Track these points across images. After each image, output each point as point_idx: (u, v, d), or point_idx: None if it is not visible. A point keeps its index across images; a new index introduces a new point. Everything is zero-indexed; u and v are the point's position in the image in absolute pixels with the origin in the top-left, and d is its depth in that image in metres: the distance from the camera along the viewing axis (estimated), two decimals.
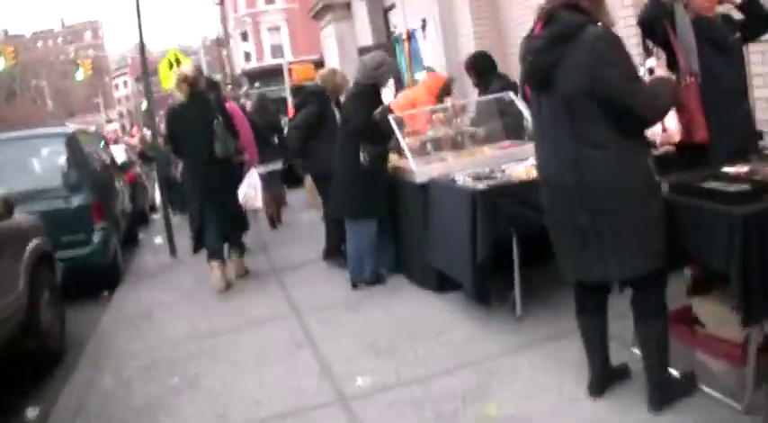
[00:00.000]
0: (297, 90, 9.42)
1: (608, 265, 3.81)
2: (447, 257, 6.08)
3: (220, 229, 8.20)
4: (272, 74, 40.19)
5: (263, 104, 12.80)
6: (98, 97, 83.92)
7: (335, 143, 7.28)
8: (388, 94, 11.68)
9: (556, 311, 5.52)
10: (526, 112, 6.98)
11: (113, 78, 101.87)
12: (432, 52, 11.49)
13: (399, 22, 14.51)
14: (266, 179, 10.70)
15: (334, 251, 8.32)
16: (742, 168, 4.03)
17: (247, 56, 53.84)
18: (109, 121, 57.10)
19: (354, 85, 7.33)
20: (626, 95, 3.60)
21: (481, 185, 5.53)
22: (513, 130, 7.56)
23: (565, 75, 3.66)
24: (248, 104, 12.77)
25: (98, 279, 9.35)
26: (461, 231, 5.59)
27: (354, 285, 7.29)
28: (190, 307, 7.86)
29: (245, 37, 53.96)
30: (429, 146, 7.71)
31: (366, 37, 17.31)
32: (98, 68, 76.60)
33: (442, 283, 6.45)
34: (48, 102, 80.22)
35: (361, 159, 6.90)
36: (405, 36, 12.74)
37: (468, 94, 11.49)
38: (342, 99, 7.87)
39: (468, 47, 11.33)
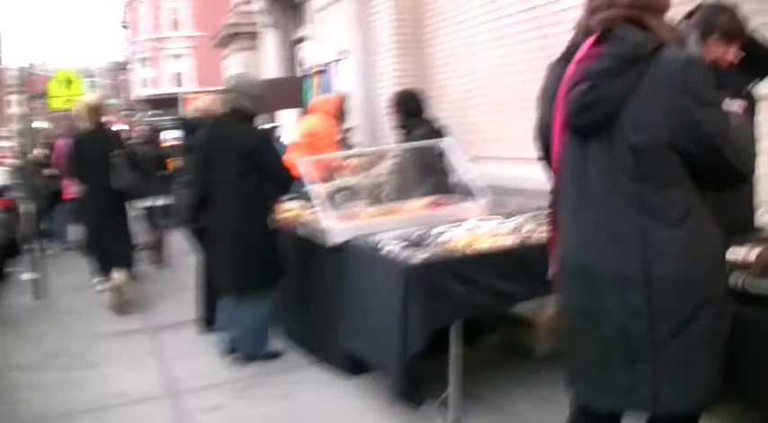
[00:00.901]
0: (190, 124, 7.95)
1: (661, 392, 2.62)
2: (366, 341, 4.90)
3: (116, 251, 8.36)
4: (169, 103, 39.02)
5: (153, 135, 11.73)
6: None
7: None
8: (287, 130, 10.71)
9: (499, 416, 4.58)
10: (461, 167, 5.98)
11: (8, 94, 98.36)
12: (347, 87, 10.49)
13: (310, 55, 13.55)
14: (149, 215, 10.89)
15: (208, 321, 6.91)
16: (751, 253, 3.16)
17: (144, 82, 52.34)
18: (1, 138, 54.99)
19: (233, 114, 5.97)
20: (724, 146, 2.53)
21: (416, 258, 4.40)
22: (441, 185, 6.55)
23: (635, 114, 2.58)
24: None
25: None
26: (387, 314, 4.43)
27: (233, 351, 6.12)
28: (48, 372, 6.45)
29: (144, 62, 52.46)
30: (338, 197, 6.59)
31: (272, 69, 16.33)
32: None
33: (354, 366, 5.27)
34: None
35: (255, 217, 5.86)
36: (314, 70, 11.71)
37: (381, 139, 10.61)
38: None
39: (387, 84, 10.39)
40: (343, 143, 9.06)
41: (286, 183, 5.90)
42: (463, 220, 5.37)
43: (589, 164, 2.70)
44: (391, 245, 4.70)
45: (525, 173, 7.50)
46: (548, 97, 2.85)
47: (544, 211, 5.75)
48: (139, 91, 52.22)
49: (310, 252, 5.71)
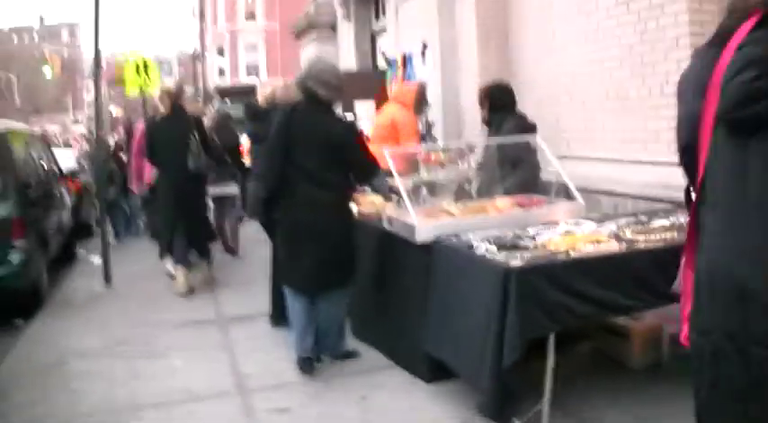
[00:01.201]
0: (258, 112, 7.71)
1: None
2: (454, 347, 4.54)
3: (189, 236, 8.50)
4: (245, 93, 39.03)
5: (223, 122, 11.60)
6: (67, 97, 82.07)
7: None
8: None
9: None
10: (552, 165, 5.64)
11: (84, 80, 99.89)
12: (429, 80, 10.19)
13: (389, 48, 13.26)
14: (220, 203, 10.60)
15: (280, 315, 6.57)
16: None
17: (221, 72, 52.58)
18: (76, 122, 55.71)
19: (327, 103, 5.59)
20: None
21: (516, 260, 4.06)
22: (529, 183, 6.22)
23: None
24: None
25: (13, 304, 7.98)
26: (481, 320, 4.11)
27: (316, 360, 5.68)
28: (112, 361, 6.26)
29: (221, 52, 52.73)
30: (423, 191, 6.30)
31: (350, 60, 16.06)
32: (71, 69, 75.34)
33: (435, 370, 4.93)
34: (15, 97, 78.26)
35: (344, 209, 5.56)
36: (400, 61, 11.39)
37: (462, 133, 10.29)
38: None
39: (470, 79, 10.05)
40: (425, 136, 8.77)
41: (372, 174, 5.58)
42: (556, 222, 5.04)
43: (750, 164, 2.31)
44: (485, 245, 4.37)
45: (616, 175, 7.15)
46: (696, 87, 2.49)
47: (643, 215, 5.49)
48: (216, 80, 52.39)
49: (394, 248, 5.40)
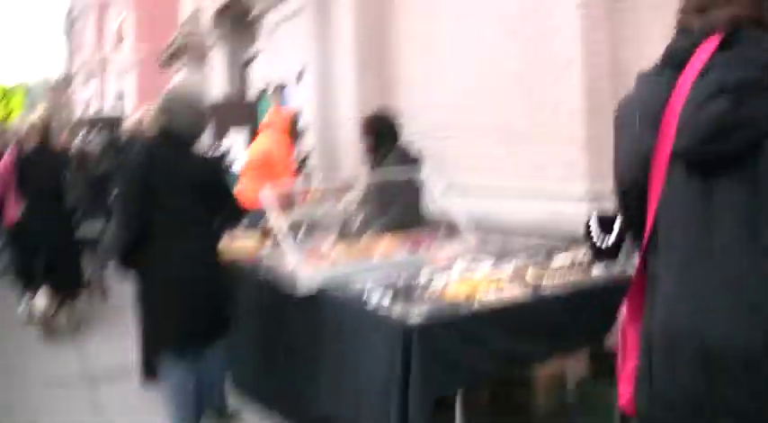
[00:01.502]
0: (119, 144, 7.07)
1: None
2: (355, 407, 3.88)
3: (59, 276, 8.06)
4: (114, 122, 37.81)
5: (83, 155, 10.77)
6: None
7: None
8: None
9: None
10: (441, 199, 5.21)
11: None
12: (304, 108, 9.72)
13: (264, 75, 12.76)
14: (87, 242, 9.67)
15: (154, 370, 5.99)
16: None
17: (89, 99, 50.98)
18: None
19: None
20: None
21: (414, 316, 3.53)
22: (417, 219, 5.80)
23: None
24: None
25: None
26: (382, 381, 3.56)
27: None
28: None
29: (89, 79, 51.17)
30: (300, 232, 5.76)
31: (222, 88, 15.52)
32: None
33: None
34: None
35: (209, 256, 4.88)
36: (272, 88, 10.88)
37: (341, 163, 9.82)
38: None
39: (348, 107, 9.63)
40: (301, 168, 8.28)
41: (239, 216, 5.09)
42: (449, 262, 4.60)
43: (716, 207, 1.93)
44: (376, 295, 3.86)
45: (505, 208, 6.78)
46: (645, 118, 2.07)
47: (540, 250, 5.11)
48: (83, 109, 50.80)
49: (275, 298, 4.79)
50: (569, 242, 5.40)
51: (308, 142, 9.81)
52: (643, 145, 2.05)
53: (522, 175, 6.76)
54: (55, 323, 8.09)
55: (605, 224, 4.66)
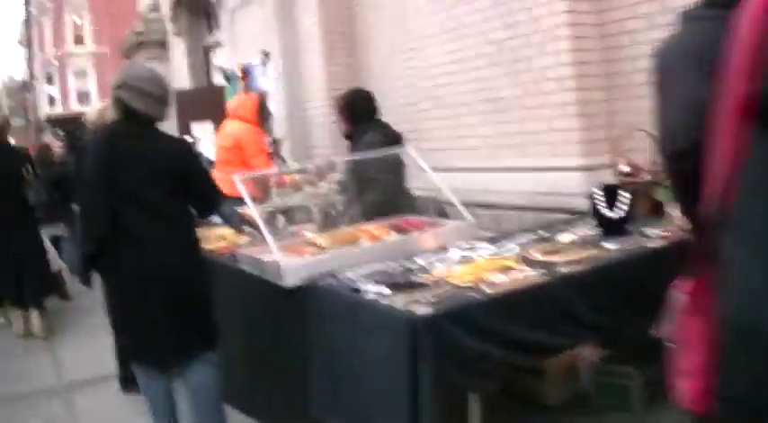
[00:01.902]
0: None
1: None
2: (359, 413, 3.41)
3: (27, 278, 7.76)
4: (76, 120, 37.13)
5: (45, 154, 10.68)
6: None
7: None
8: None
9: None
10: (428, 179, 4.82)
11: None
12: (272, 92, 9.32)
13: (227, 62, 12.33)
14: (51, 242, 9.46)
15: (131, 379, 5.55)
16: None
17: (52, 100, 50.27)
18: None
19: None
20: None
21: (421, 306, 3.10)
22: (401, 201, 5.38)
23: None
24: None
25: None
26: (387, 383, 3.12)
27: None
28: None
29: (50, 80, 50.46)
30: (281, 220, 5.34)
31: (184, 78, 15.04)
32: None
33: None
34: None
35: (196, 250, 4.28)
36: (240, 73, 10.42)
37: (311, 150, 9.40)
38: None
39: (317, 89, 9.23)
40: (272, 154, 7.85)
41: (218, 204, 4.42)
42: (445, 247, 4.19)
43: None
44: (373, 286, 3.44)
45: (493, 185, 6.41)
46: (698, 63, 1.70)
47: (540, 230, 4.72)
48: (46, 110, 50.00)
49: (258, 293, 4.31)
50: (570, 216, 5.03)
51: (279, 126, 9.39)
52: (701, 96, 1.66)
53: (510, 148, 6.39)
54: (28, 331, 7.80)
55: (611, 195, 4.30)
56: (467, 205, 4.75)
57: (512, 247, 4.10)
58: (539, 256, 3.81)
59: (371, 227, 4.74)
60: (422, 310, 3.03)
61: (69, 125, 40.32)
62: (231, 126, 6.95)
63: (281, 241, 4.44)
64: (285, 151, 9.39)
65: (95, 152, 4.09)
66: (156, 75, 4.36)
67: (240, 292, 4.50)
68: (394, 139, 5.54)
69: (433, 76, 7.35)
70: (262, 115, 7.04)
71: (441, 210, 5.19)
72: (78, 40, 50.34)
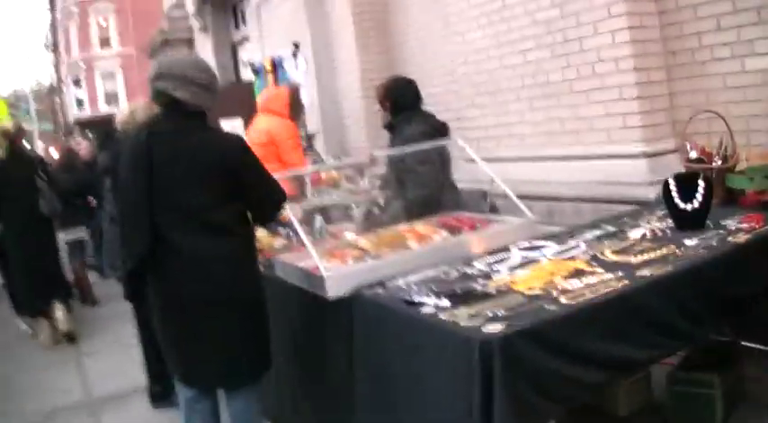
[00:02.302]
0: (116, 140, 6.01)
1: None
2: None
3: (46, 285, 7.81)
4: (106, 123, 37.01)
5: (70, 158, 10.40)
6: None
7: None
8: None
9: None
10: (480, 173, 4.40)
11: None
12: (304, 85, 8.94)
13: (255, 57, 11.98)
14: (73, 248, 9.68)
15: (162, 393, 5.25)
16: None
17: (80, 103, 50.30)
18: None
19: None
20: None
21: (491, 324, 2.65)
22: (449, 198, 4.98)
23: None
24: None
25: None
26: (454, 412, 2.65)
27: None
28: None
29: (77, 83, 50.52)
30: (318, 221, 4.87)
31: None
32: None
33: None
34: None
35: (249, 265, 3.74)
36: (269, 66, 10.01)
37: (347, 145, 9.02)
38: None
39: (350, 80, 8.87)
40: (306, 149, 7.47)
41: (280, 207, 3.82)
42: (503, 244, 3.77)
43: None
44: (429, 298, 3.00)
45: (543, 175, 6.00)
46: None
47: (606, 224, 4.28)
48: (75, 113, 50.06)
49: (298, 304, 3.90)
50: (633, 207, 4.59)
51: (311, 120, 9.02)
52: None
53: (563, 135, 5.96)
54: (55, 339, 7.75)
55: (685, 185, 3.85)
56: (518, 197, 4.32)
57: (578, 246, 3.67)
58: (612, 257, 3.38)
59: (418, 226, 4.34)
60: (490, 326, 2.60)
61: (99, 127, 40.19)
62: (263, 121, 6.54)
63: (320, 245, 4.04)
64: (319, 146, 9.05)
65: (132, 157, 3.57)
66: (200, 60, 3.94)
67: (277, 302, 4.01)
68: (439, 129, 5.13)
69: (476, 61, 6.91)
70: (295, 108, 6.63)
71: (492, 205, 4.75)
72: (104, 42, 50.41)
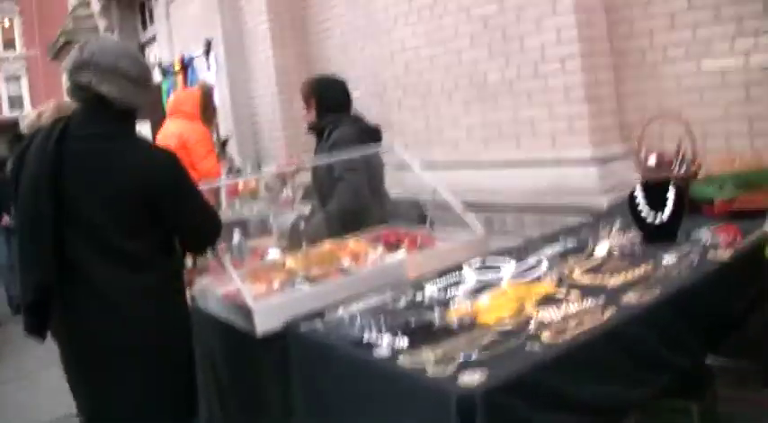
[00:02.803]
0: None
1: None
2: None
3: None
4: (11, 127, 35.84)
5: None
6: None
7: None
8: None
9: None
10: (426, 177, 3.95)
11: None
12: (216, 86, 8.44)
13: (163, 57, 11.43)
14: None
15: None
16: None
17: None
18: None
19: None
20: None
21: (470, 374, 2.10)
22: (384, 210, 4.57)
23: None
24: None
25: None
26: None
27: None
28: None
29: None
30: (236, 237, 4.27)
31: None
32: None
33: None
34: None
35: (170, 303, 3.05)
36: (177, 66, 9.43)
37: (263, 152, 8.50)
38: None
39: (266, 81, 8.39)
40: (219, 154, 6.93)
41: (215, 236, 3.19)
42: (452, 266, 3.29)
43: None
44: (381, 335, 2.45)
45: (482, 182, 5.56)
46: None
47: (565, 237, 3.85)
48: None
49: (221, 339, 3.30)
50: (589, 219, 4.18)
51: (225, 124, 8.50)
52: None
53: (500, 140, 5.53)
54: None
55: (653, 195, 3.46)
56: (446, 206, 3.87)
57: (538, 264, 3.20)
58: (583, 279, 2.93)
59: (351, 241, 3.83)
60: (467, 377, 2.08)
61: (4, 131, 38.85)
62: (173, 125, 5.99)
63: (242, 266, 3.50)
64: (233, 151, 8.53)
65: (38, 161, 2.84)
66: (129, 46, 3.28)
67: (208, 338, 3.39)
68: (370, 134, 4.64)
69: (404, 61, 6.46)
70: (208, 110, 6.10)
71: (424, 216, 4.29)
72: (8, 43, 49.05)
